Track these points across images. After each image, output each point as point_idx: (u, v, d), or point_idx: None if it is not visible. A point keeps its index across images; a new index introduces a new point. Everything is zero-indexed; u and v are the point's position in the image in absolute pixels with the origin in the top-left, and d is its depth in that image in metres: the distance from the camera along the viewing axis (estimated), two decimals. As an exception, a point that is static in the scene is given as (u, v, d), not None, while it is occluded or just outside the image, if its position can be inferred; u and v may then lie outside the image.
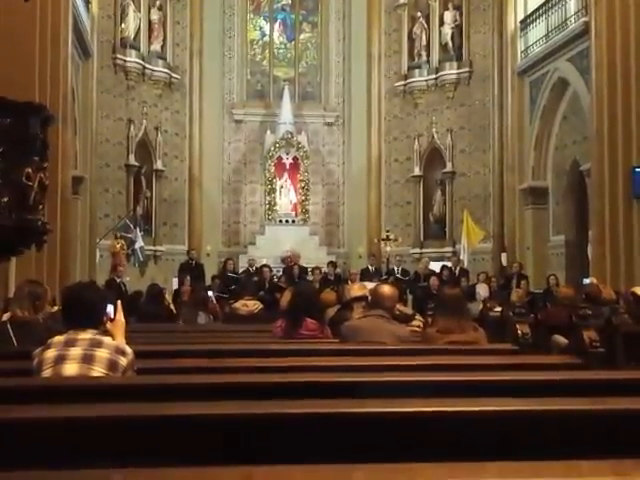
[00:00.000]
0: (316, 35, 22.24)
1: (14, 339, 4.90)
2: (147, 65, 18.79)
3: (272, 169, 19.79)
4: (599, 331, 6.97)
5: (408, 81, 20.01)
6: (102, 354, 3.44)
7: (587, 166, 14.20)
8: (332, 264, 16.40)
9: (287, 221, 19.66)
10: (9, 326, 4.98)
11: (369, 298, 5.80)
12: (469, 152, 19.11)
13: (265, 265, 15.65)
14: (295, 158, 19.97)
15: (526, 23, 17.05)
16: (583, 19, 14.22)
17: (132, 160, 18.30)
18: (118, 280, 13.00)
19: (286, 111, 20.02)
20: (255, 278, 14.77)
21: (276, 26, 22.37)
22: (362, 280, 13.39)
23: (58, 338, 3.52)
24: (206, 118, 20.01)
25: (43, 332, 4.31)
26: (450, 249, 18.75)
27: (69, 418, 2.45)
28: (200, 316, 8.59)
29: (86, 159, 15.90)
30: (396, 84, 20.26)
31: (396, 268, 16.50)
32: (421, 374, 3.58)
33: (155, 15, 19.09)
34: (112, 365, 3.44)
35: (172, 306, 9.46)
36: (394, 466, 2.12)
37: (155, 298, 9.00)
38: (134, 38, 18.64)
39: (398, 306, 5.96)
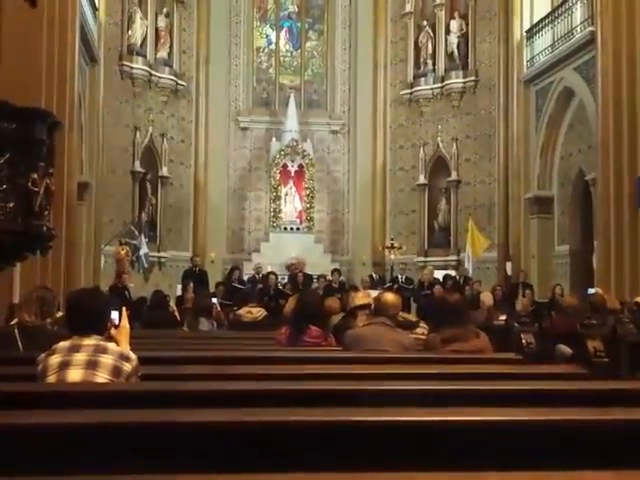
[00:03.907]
0: (322, 43, 22.29)
1: (20, 344, 4.90)
2: (153, 72, 18.83)
3: (277, 176, 19.80)
4: (604, 341, 6.96)
5: (414, 89, 20.02)
6: (106, 360, 3.44)
7: (592, 176, 14.18)
8: (336, 272, 16.40)
9: (292, 229, 19.66)
10: (16, 331, 4.98)
11: (372, 306, 5.80)
12: (474, 161, 19.11)
13: (271, 272, 15.65)
14: (300, 166, 19.97)
15: (532, 32, 17.06)
16: (589, 29, 14.22)
17: (138, 167, 18.33)
18: (122, 286, 13.01)
19: (292, 119, 20.04)
20: (260, 285, 14.78)
21: (282, 34, 22.44)
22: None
23: (62, 344, 3.52)
24: (212, 125, 20.04)
25: (50, 337, 4.30)
26: (454, 258, 18.72)
27: (73, 424, 2.45)
28: (202, 323, 8.58)
29: (92, 165, 15.94)
30: (402, 92, 20.28)
31: (400, 276, 16.48)
32: (424, 383, 3.58)
33: (162, 22, 19.14)
34: (116, 371, 3.44)
35: (176, 312, 9.44)
36: (396, 475, 2.12)
37: (159, 304, 9.01)
38: (141, 45, 18.68)
39: (401, 314, 5.96)
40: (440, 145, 19.59)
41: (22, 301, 5.46)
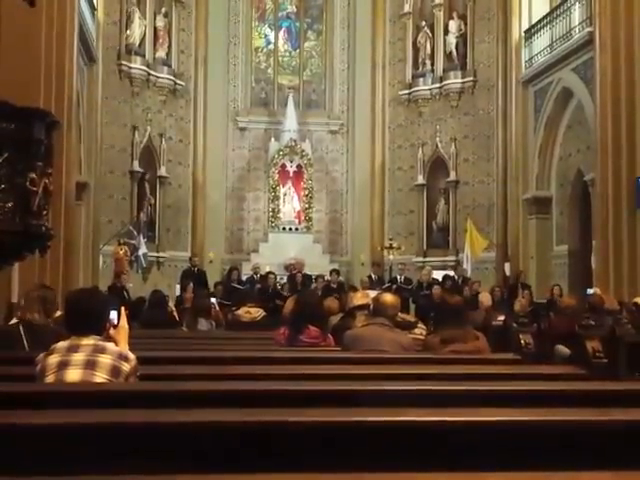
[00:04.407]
0: (321, 43, 22.30)
1: (26, 343, 4.90)
2: (152, 72, 18.83)
3: (276, 177, 19.81)
4: (602, 341, 6.96)
5: (412, 90, 20.04)
6: (105, 360, 3.44)
7: (591, 176, 14.19)
8: (335, 272, 16.40)
9: (290, 229, 19.66)
10: (21, 329, 4.98)
11: (371, 306, 5.79)
12: (473, 161, 19.13)
13: (270, 272, 15.66)
14: (299, 166, 19.99)
15: (531, 33, 17.07)
16: (587, 29, 14.24)
17: (136, 166, 18.32)
18: (120, 286, 13.01)
19: (290, 119, 20.05)
20: (259, 285, 14.78)
21: (281, 34, 22.46)
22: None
23: (61, 344, 3.52)
24: (210, 125, 20.04)
25: (55, 336, 4.29)
26: (453, 258, 18.74)
27: (72, 424, 2.45)
28: (201, 323, 8.57)
29: (90, 165, 15.94)
30: (400, 93, 20.29)
31: (399, 276, 16.48)
32: (423, 383, 3.57)
33: (160, 22, 19.15)
34: (115, 371, 3.44)
35: (175, 312, 9.44)
36: (395, 475, 2.12)
37: (158, 304, 8.99)
38: (139, 45, 18.68)
39: (400, 314, 5.95)
40: (439, 145, 19.60)
41: (23, 300, 5.46)
